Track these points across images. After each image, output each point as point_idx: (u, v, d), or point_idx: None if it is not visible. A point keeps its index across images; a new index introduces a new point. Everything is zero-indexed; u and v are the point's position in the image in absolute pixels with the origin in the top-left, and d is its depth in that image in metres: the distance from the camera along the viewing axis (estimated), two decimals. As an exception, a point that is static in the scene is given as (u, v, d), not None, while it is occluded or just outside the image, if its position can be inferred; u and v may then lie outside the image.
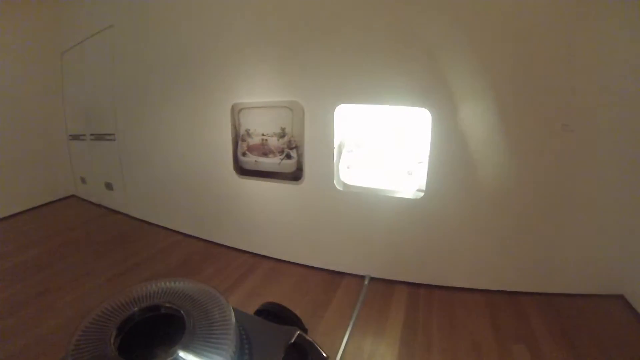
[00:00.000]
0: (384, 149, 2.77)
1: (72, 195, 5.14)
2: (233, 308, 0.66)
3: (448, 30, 2.26)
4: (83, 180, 4.92)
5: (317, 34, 2.55)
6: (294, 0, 2.58)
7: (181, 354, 0.54)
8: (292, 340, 0.69)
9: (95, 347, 0.57)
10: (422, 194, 2.53)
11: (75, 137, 4.78)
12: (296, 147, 2.79)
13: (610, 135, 2.21)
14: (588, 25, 2.10)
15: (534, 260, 2.48)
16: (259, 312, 0.87)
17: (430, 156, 2.45)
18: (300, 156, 2.79)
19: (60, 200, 4.97)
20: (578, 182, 2.31)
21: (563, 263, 2.46)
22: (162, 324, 0.65)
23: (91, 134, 4.46)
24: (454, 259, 2.59)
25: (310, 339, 0.71)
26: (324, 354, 0.71)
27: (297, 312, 0.88)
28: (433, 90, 2.36)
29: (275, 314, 0.85)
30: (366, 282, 2.68)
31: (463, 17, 2.23)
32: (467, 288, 2.58)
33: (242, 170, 3.08)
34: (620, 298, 2.42)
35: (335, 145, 2.67)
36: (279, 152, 2.88)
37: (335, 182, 2.71)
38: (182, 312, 0.63)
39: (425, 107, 2.39)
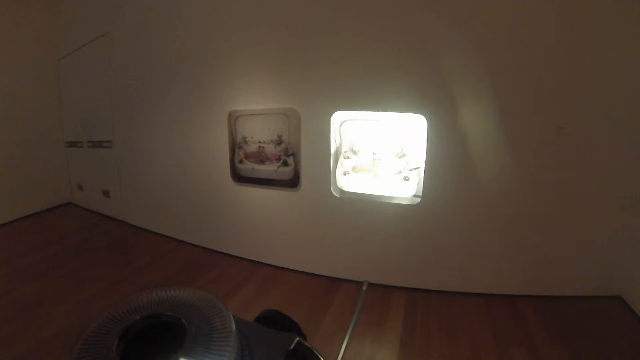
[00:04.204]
0: (381, 155, 2.78)
1: (69, 203, 5.13)
2: (233, 315, 0.67)
3: (444, 37, 2.29)
4: (80, 188, 4.92)
5: (314, 41, 2.58)
6: (290, 7, 2.60)
7: (183, 361, 0.55)
8: (292, 347, 0.70)
9: (97, 356, 0.57)
10: (418, 200, 2.54)
11: (72, 145, 4.78)
12: (293, 154, 2.81)
13: (608, 136, 2.23)
14: (587, 26, 2.13)
15: (532, 263, 2.50)
16: (258, 319, 0.88)
17: (426, 162, 2.47)
18: (297, 163, 2.81)
19: (57, 207, 4.96)
20: (575, 185, 2.33)
21: (561, 265, 2.47)
22: (163, 332, 0.66)
23: (88, 141, 4.47)
24: (451, 263, 2.60)
25: (309, 345, 0.72)
26: (323, 360, 0.72)
27: (295, 319, 0.89)
28: (429, 96, 2.38)
29: (275, 321, 0.86)
30: (364, 287, 2.67)
31: (460, 23, 2.26)
32: (465, 292, 2.59)
33: (239, 178, 3.09)
34: (618, 299, 2.44)
35: (332, 151, 2.68)
36: (275, 159, 2.89)
37: (332, 188, 2.72)
38: (183, 320, 0.64)
39: (421, 113, 2.41)
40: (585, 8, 2.10)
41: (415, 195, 2.60)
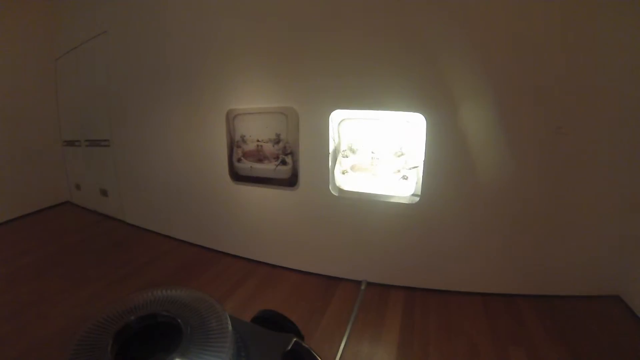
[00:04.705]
0: (379, 154, 2.78)
1: (67, 202, 5.12)
2: (230, 316, 0.66)
3: (444, 35, 2.28)
4: (78, 187, 4.90)
5: (312, 39, 2.57)
6: (289, 6, 2.59)
7: (178, 362, 0.54)
8: (289, 348, 0.69)
9: (92, 357, 0.57)
10: (417, 199, 2.54)
11: (69, 143, 4.77)
12: (291, 153, 2.80)
13: (606, 137, 2.23)
14: (587, 26, 2.12)
15: (531, 263, 2.50)
16: (255, 320, 0.87)
17: (425, 161, 2.47)
18: (295, 162, 2.80)
19: (55, 206, 4.95)
20: (573, 184, 2.33)
21: (559, 265, 2.47)
22: (159, 333, 0.65)
23: (86, 140, 4.45)
24: (450, 262, 2.60)
25: (306, 346, 0.71)
26: (321, 361, 0.71)
27: (294, 318, 0.88)
28: (428, 95, 2.37)
29: (272, 322, 0.85)
30: (363, 287, 2.68)
31: (460, 22, 2.25)
32: (463, 292, 2.59)
33: (237, 177, 3.08)
34: (617, 298, 2.44)
35: (330, 150, 2.67)
36: (274, 158, 2.88)
37: (330, 187, 2.72)
38: (179, 320, 0.63)
39: (420, 112, 2.41)
40: (586, 8, 2.09)
41: (413, 195, 2.59)
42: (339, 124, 2.76)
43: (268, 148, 2.91)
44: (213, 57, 2.97)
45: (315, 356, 0.71)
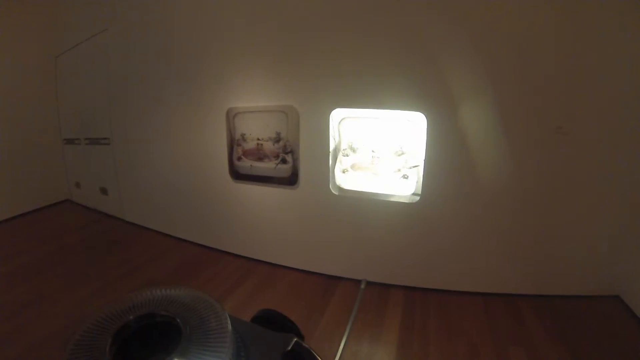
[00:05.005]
0: (380, 152, 2.77)
1: (67, 200, 5.11)
2: (229, 315, 0.66)
3: (444, 35, 2.28)
4: (78, 185, 4.89)
5: (313, 38, 2.56)
6: (289, 5, 2.58)
7: (178, 362, 0.54)
8: (289, 348, 0.69)
9: (91, 357, 0.56)
10: (417, 198, 2.53)
11: (69, 142, 4.76)
12: (291, 151, 2.80)
13: (606, 137, 2.23)
14: (587, 26, 2.11)
15: (531, 263, 2.49)
16: (255, 319, 0.87)
17: (425, 160, 2.46)
18: (295, 160, 2.79)
19: (54, 204, 4.93)
20: (573, 184, 2.32)
21: (559, 265, 2.47)
22: (158, 333, 0.65)
23: (86, 138, 4.44)
24: (450, 262, 2.59)
25: (307, 346, 0.71)
26: (321, 361, 0.71)
27: (293, 317, 0.88)
28: (428, 94, 2.37)
29: (272, 321, 0.85)
30: (362, 286, 2.68)
31: (461, 21, 2.24)
32: (463, 291, 2.58)
33: (237, 175, 3.08)
34: (617, 299, 2.44)
35: (331, 149, 2.67)
36: (274, 157, 2.88)
37: (330, 186, 2.71)
38: (178, 320, 0.63)
39: (420, 111, 2.40)
40: (585, 8, 2.09)
41: (414, 194, 2.59)
42: (340, 122, 2.76)
43: (268, 146, 2.91)
44: (214, 55, 2.97)
45: (315, 356, 0.71)
